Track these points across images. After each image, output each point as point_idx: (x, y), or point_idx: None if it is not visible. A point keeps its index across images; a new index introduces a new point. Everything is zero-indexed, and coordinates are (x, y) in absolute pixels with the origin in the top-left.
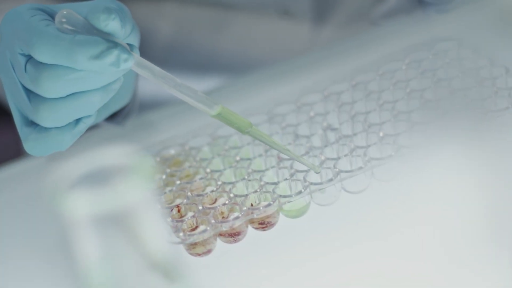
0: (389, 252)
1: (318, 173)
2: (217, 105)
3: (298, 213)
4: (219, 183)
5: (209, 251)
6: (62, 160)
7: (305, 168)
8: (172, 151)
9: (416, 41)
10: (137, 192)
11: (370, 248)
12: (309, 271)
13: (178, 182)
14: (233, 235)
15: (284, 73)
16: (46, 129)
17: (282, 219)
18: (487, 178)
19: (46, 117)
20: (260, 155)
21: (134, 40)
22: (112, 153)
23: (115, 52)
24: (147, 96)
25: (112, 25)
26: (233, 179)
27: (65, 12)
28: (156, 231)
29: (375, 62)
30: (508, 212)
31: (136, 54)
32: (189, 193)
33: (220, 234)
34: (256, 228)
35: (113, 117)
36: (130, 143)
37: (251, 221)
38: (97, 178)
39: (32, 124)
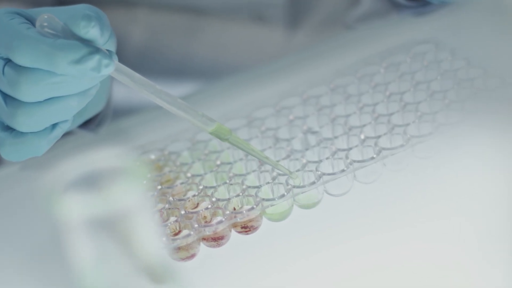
0: (374, 253)
1: (295, 179)
2: (197, 113)
3: (281, 217)
4: (201, 187)
5: (192, 256)
6: (53, 164)
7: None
8: (152, 156)
9: (393, 45)
10: (129, 194)
11: (354, 249)
12: (293, 274)
13: (159, 187)
14: (217, 239)
15: (262, 77)
16: (23, 134)
17: (265, 223)
18: (479, 181)
19: (23, 121)
20: (241, 159)
21: (112, 47)
22: (103, 156)
23: (96, 57)
24: (122, 101)
25: (92, 32)
26: (214, 183)
27: (46, 17)
28: (148, 234)
29: (352, 65)
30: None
31: (116, 60)
32: (170, 198)
33: (204, 239)
34: (239, 232)
35: (86, 124)
36: (107, 148)
37: (234, 225)
38: (90, 182)
39: (8, 129)
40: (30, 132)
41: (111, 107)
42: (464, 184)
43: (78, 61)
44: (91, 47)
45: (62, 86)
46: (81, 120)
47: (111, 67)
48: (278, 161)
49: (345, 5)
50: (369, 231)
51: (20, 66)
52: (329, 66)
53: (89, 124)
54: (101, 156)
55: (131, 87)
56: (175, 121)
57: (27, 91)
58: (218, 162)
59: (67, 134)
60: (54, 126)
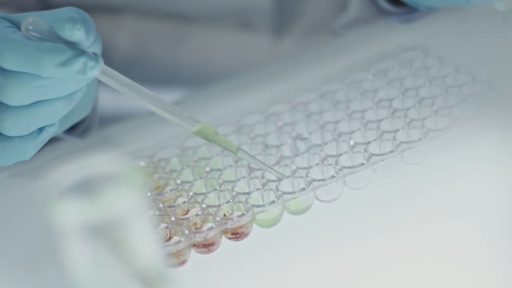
0: (364, 258)
1: (280, 179)
2: (183, 114)
3: (271, 223)
4: (191, 194)
5: (183, 262)
6: (45, 171)
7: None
8: (141, 163)
9: (380, 52)
10: (122, 200)
11: (345, 255)
12: (284, 279)
13: (149, 193)
14: (207, 246)
15: (250, 83)
16: (9, 138)
17: (255, 229)
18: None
19: (9, 125)
20: (230, 166)
21: (97, 50)
22: (94, 163)
23: (82, 60)
24: (110, 108)
25: (77, 35)
26: (204, 190)
27: (31, 20)
28: (141, 240)
29: (340, 72)
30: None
31: (101, 62)
32: (160, 205)
33: (194, 245)
34: (230, 239)
35: (73, 129)
36: (98, 155)
37: (225, 232)
38: (83, 188)
39: None
40: (17, 136)
41: (97, 113)
42: (454, 188)
43: (64, 64)
44: (77, 50)
45: (49, 89)
46: (68, 125)
47: (97, 70)
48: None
49: (331, 12)
50: (359, 237)
51: (6, 70)
52: (317, 72)
53: (76, 129)
54: (93, 162)
55: (117, 89)
56: (163, 128)
57: (14, 95)
58: (208, 169)
59: (56, 140)
60: (41, 130)
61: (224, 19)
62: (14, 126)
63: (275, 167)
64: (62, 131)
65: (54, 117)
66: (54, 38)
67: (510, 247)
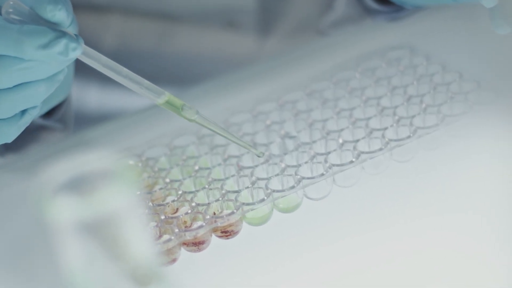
0: (353, 255)
1: (260, 156)
2: (164, 93)
3: (261, 221)
4: (180, 192)
5: (173, 261)
6: (43, 166)
7: (266, 175)
8: (130, 162)
9: (367, 50)
10: (120, 197)
11: (334, 252)
12: (273, 277)
13: (138, 192)
14: (197, 244)
15: (237, 82)
16: None
17: (245, 227)
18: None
19: None
20: (219, 164)
21: (74, 29)
22: (94, 159)
23: (63, 41)
24: (98, 107)
25: (59, 15)
26: (193, 189)
27: (11, 3)
28: (134, 237)
29: (327, 71)
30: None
31: (82, 43)
32: (150, 203)
33: (184, 244)
34: (220, 237)
35: (50, 115)
36: (89, 153)
37: (214, 230)
38: (78, 185)
39: None
40: (0, 119)
41: (72, 97)
42: (443, 186)
43: (46, 46)
44: (58, 32)
45: (31, 71)
46: (47, 108)
47: (79, 51)
48: (256, 165)
49: (317, 11)
50: (348, 234)
51: None
52: (304, 71)
53: (53, 114)
54: (82, 161)
55: (99, 70)
56: (151, 127)
57: None
58: (196, 167)
59: (41, 130)
60: (23, 112)
61: (209, 19)
62: None
63: (264, 166)
64: (41, 115)
65: (37, 100)
66: (35, 19)
67: (499, 243)
